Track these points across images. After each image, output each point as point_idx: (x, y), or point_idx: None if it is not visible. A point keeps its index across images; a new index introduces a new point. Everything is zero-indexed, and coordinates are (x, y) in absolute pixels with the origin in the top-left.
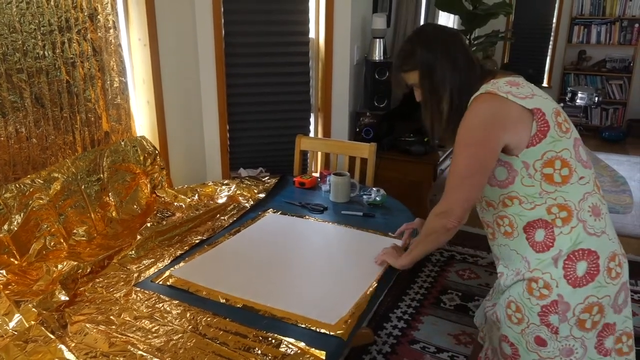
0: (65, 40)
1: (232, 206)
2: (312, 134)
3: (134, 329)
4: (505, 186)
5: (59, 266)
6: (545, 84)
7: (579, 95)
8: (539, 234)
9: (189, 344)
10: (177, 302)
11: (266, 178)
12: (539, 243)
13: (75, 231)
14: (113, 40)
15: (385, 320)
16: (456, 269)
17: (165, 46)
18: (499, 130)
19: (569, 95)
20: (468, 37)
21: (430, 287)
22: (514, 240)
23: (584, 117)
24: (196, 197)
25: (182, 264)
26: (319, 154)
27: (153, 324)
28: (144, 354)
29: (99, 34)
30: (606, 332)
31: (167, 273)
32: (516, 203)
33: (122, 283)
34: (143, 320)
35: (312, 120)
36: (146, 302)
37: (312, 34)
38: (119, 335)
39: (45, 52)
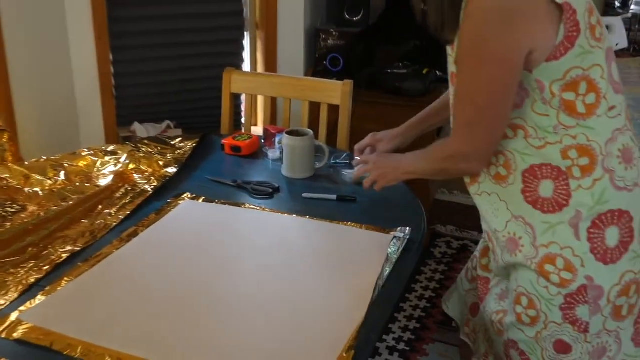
0: None
1: (122, 190)
2: (247, 67)
3: None
4: None
5: None
6: None
7: None
8: (546, 186)
9: None
10: None
11: (177, 140)
12: (547, 200)
13: None
14: None
15: (370, 356)
16: None
17: None
18: (520, 32)
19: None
20: None
21: (433, 298)
22: (507, 187)
23: None
24: (62, 176)
25: (40, 297)
26: (261, 99)
27: None
28: None
29: None
30: None
31: (14, 317)
32: (520, 135)
33: None
34: None
35: (247, 43)
36: None
37: None
38: None
39: None
